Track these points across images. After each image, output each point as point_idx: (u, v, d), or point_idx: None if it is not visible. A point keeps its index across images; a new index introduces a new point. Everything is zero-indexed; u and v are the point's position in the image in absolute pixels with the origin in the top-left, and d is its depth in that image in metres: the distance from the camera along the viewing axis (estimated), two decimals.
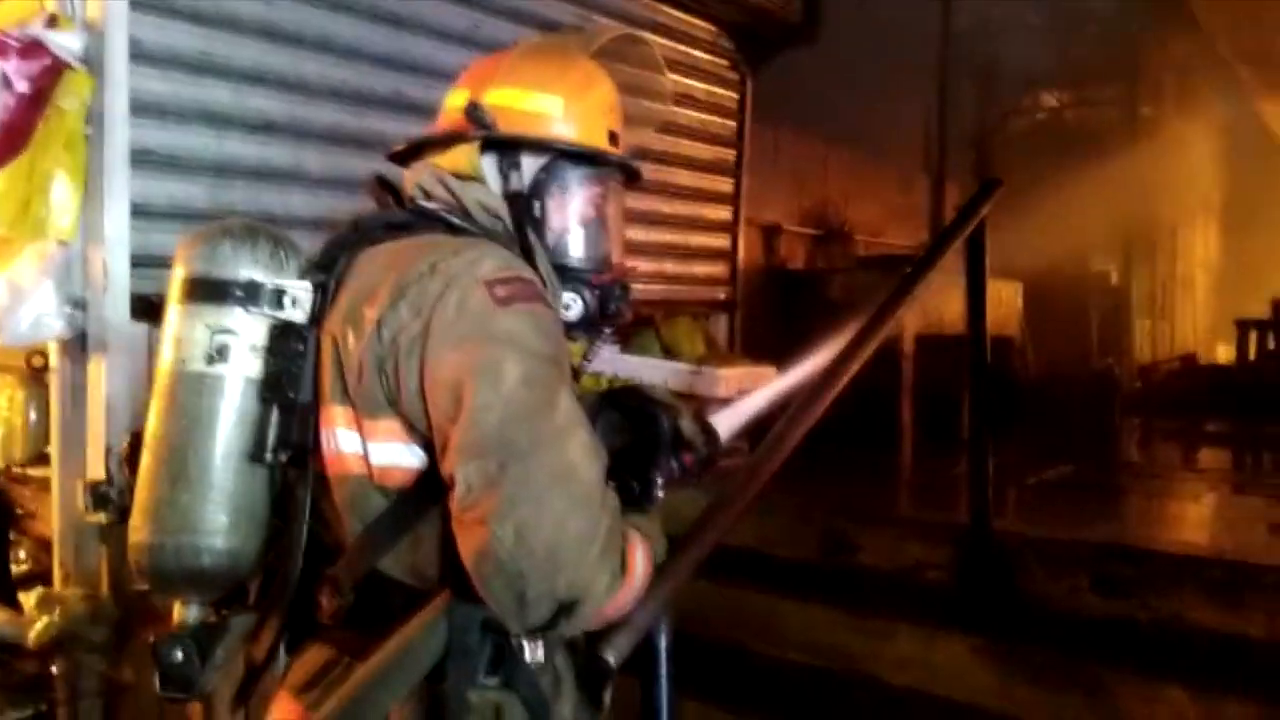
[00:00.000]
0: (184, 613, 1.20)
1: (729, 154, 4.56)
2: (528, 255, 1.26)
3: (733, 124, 4.56)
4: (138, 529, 1.17)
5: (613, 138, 1.35)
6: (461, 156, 1.30)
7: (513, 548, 1.03)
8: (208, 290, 1.18)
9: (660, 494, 1.26)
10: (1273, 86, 7.62)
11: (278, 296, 1.19)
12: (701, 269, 4.49)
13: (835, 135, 5.70)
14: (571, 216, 1.33)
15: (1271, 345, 6.98)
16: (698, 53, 4.36)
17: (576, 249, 1.34)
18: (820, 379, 2.04)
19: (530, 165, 1.31)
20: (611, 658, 1.29)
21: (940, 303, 4.35)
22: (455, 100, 1.34)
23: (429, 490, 1.14)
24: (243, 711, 1.32)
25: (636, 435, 1.29)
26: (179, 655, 1.18)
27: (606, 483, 1.13)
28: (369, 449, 1.17)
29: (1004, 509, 3.27)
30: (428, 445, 1.14)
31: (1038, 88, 6.25)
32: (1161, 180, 7.68)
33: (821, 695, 2.49)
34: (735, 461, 2.05)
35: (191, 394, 1.17)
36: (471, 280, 1.12)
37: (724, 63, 4.49)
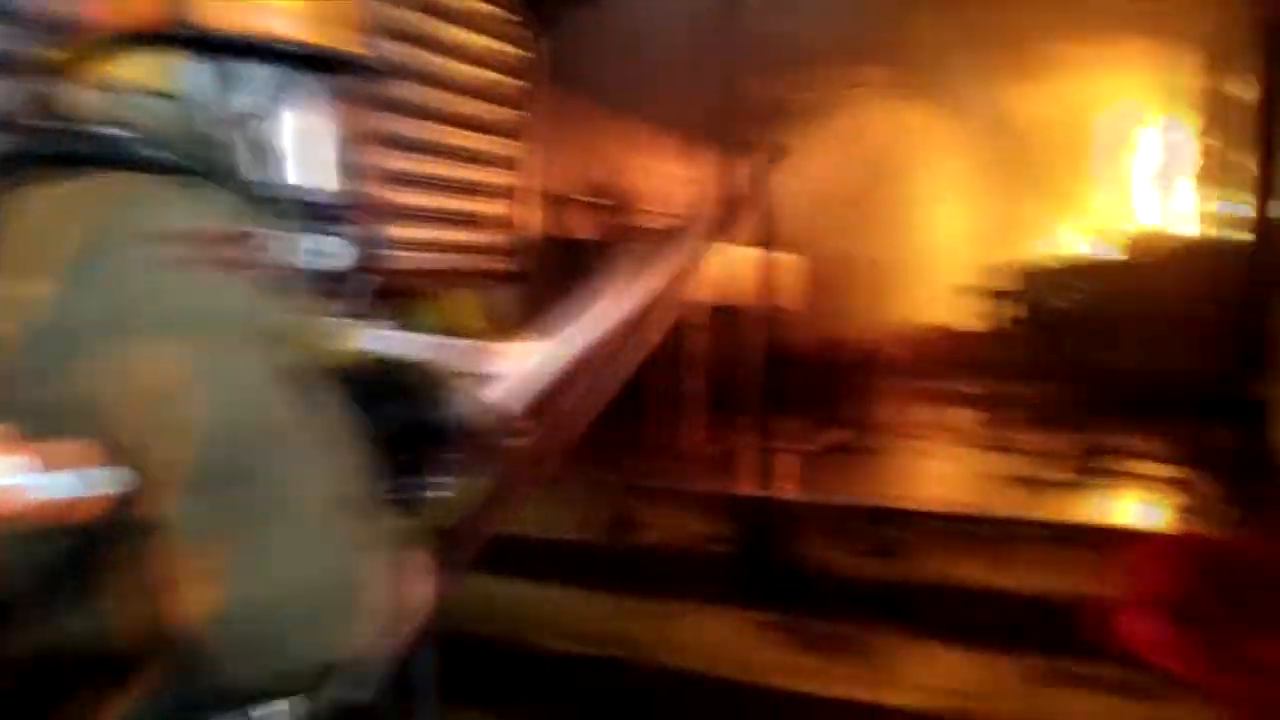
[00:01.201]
0: None
1: (515, 116, 4.33)
2: (250, 196, 0.99)
3: (520, 84, 4.33)
4: None
5: (351, 41, 1.08)
6: (152, 65, 0.99)
7: (243, 607, 0.82)
8: None
9: (434, 490, 1.11)
10: (1017, 71, 8.24)
11: None
12: (484, 238, 4.25)
13: (627, 103, 5.59)
14: (309, 141, 1.06)
15: (1016, 312, 7.59)
16: (478, 3, 4.09)
17: (316, 181, 1.07)
18: (605, 352, 1.92)
19: (252, 75, 1.03)
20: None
21: (728, 274, 4.35)
22: None
23: (122, 531, 0.86)
24: None
25: (407, 423, 1.11)
26: None
27: (370, 492, 0.92)
28: (34, 481, 0.87)
29: (785, 477, 3.30)
30: (120, 472, 0.85)
31: (822, 63, 6.41)
32: (923, 156, 8.17)
33: (606, 686, 2.38)
34: (522, 441, 1.90)
35: None
36: (171, 243, 0.86)
37: (511, 17, 4.25)
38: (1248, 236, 4.09)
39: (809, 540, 2.70)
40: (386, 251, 3.47)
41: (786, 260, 5.52)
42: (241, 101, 1.01)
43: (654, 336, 2.44)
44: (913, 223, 8.52)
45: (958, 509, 2.79)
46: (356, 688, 1.06)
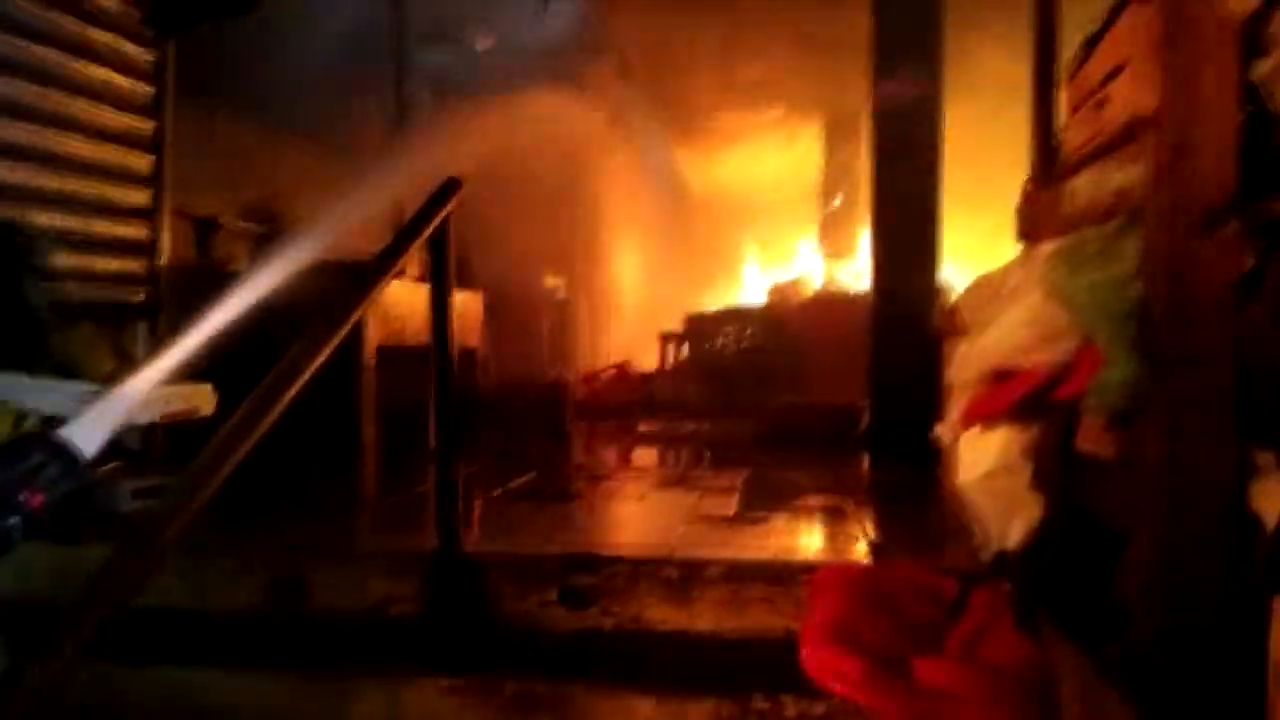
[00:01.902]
0: None
1: (145, 125, 3.77)
2: None
3: (148, 89, 3.79)
4: None
5: None
6: None
7: None
8: None
9: None
10: (684, 134, 8.78)
11: None
12: (111, 264, 3.65)
13: (288, 121, 5.13)
14: None
15: (684, 354, 8.04)
16: None
17: None
18: (261, 394, 1.66)
19: None
20: None
21: (404, 312, 4.09)
22: None
23: None
24: None
25: None
26: None
27: None
28: None
29: (472, 526, 3.13)
30: None
31: (491, 101, 6.35)
32: (602, 206, 8.44)
33: None
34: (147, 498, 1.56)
35: None
36: None
37: (129, 10, 3.70)
38: (887, 289, 4.61)
39: (503, 594, 2.54)
40: None
41: (468, 298, 5.37)
42: None
43: (312, 378, 2.17)
44: (611, 269, 8.82)
45: (650, 551, 2.77)
46: None
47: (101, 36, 3.54)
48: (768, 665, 2.15)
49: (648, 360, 8.20)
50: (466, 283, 5.88)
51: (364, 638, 2.46)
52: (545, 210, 7.19)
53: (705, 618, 2.46)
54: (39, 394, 2.51)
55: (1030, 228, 2.53)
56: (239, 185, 4.83)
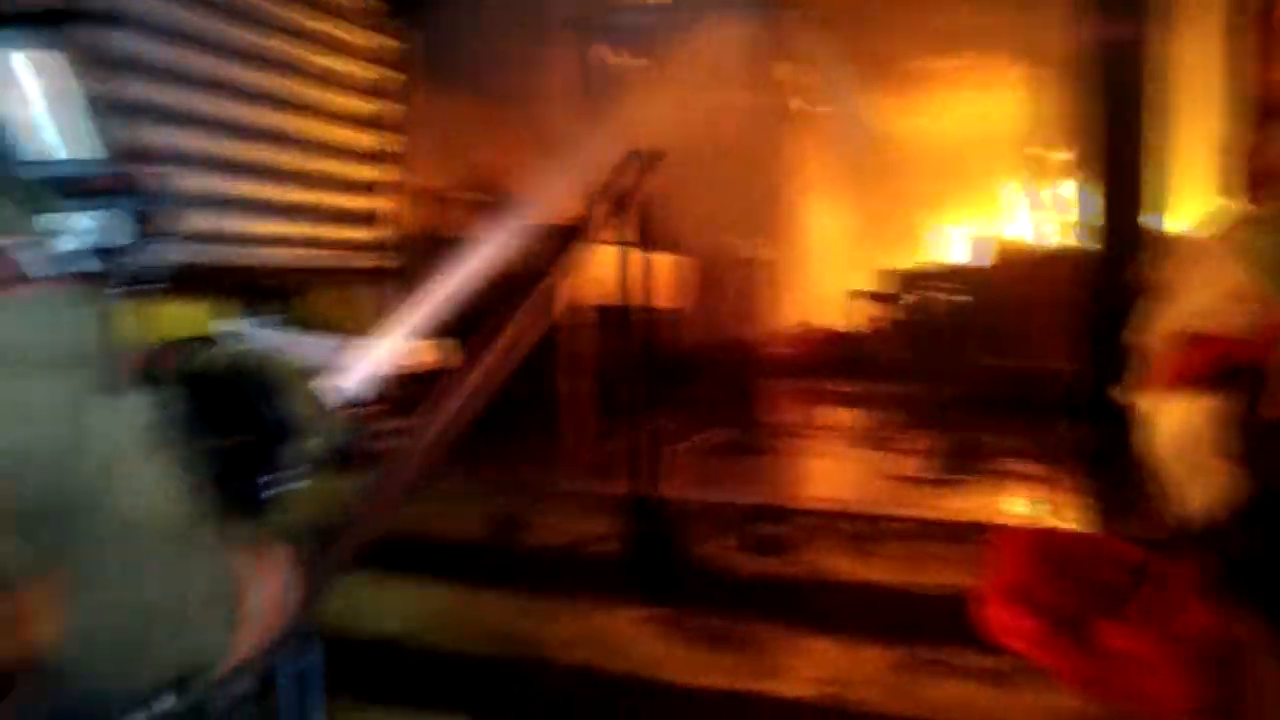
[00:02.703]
0: None
1: (388, 109, 4.23)
2: None
3: (393, 75, 4.24)
4: None
5: None
6: None
7: (85, 630, 0.81)
8: None
9: (274, 493, 1.06)
10: (879, 81, 8.58)
11: None
12: (356, 234, 4.15)
13: (506, 97, 5.53)
14: (51, 101, 0.90)
15: (880, 313, 7.90)
16: None
17: (64, 147, 0.91)
18: (476, 350, 1.93)
19: None
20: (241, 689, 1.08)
21: (612, 274, 4.37)
22: None
23: None
24: None
25: (243, 424, 1.06)
26: None
27: (201, 501, 0.88)
28: None
29: (667, 476, 3.35)
30: None
31: (705, 67, 6.49)
32: (796, 163, 8.41)
33: (492, 684, 2.36)
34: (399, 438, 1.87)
35: None
36: None
37: (380, 6, 4.15)
38: (1101, 245, 4.39)
39: (693, 537, 2.76)
40: (241, 242, 3.35)
41: (673, 261, 5.60)
42: None
43: (534, 336, 2.44)
44: (800, 227, 8.80)
45: (835, 506, 2.89)
46: (230, 684, 1.05)
47: (348, 30, 4.00)
48: (939, 619, 2.23)
49: (841, 320, 8.16)
50: (672, 246, 6.12)
51: (569, 569, 2.76)
52: (737, 171, 7.27)
53: (883, 571, 2.57)
54: (303, 348, 2.93)
55: (1259, 179, 2.39)
56: (466, 160, 5.28)
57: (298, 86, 3.75)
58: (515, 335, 1.93)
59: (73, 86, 0.90)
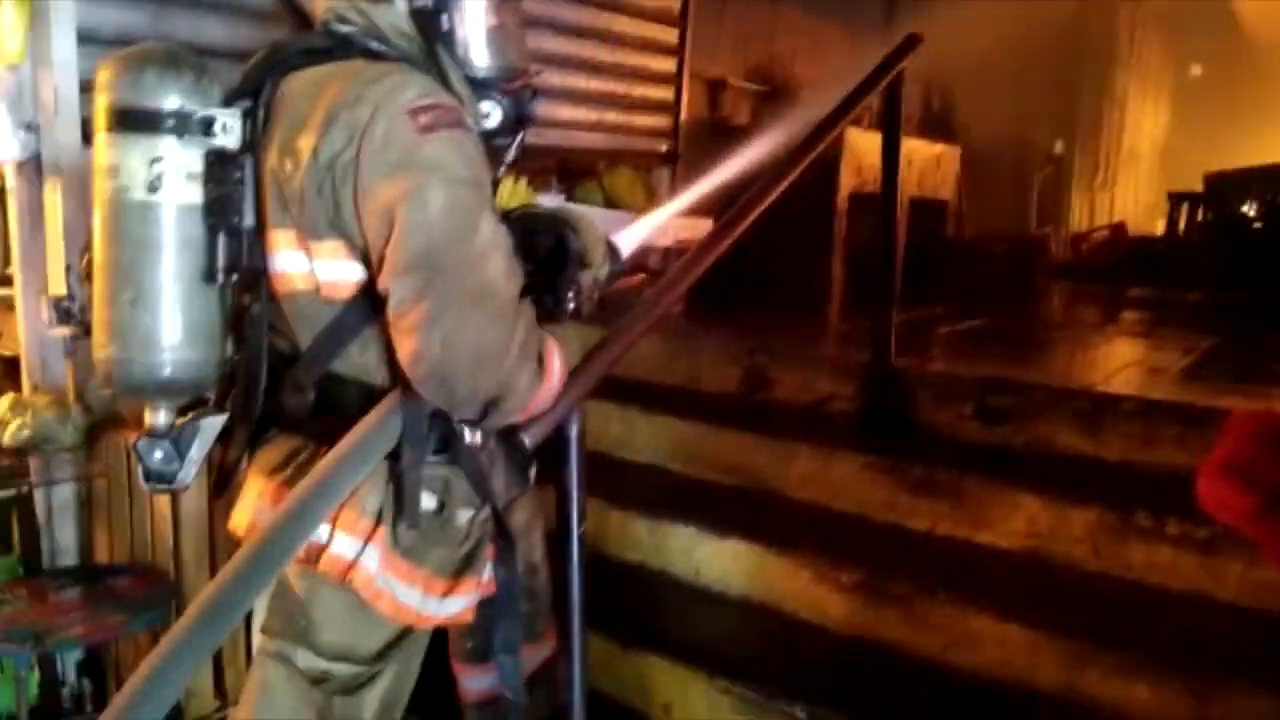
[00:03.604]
0: (154, 417, 1.30)
1: (674, 3, 4.58)
2: (441, 73, 1.32)
3: None
4: (103, 346, 1.25)
5: None
6: None
7: (439, 354, 1.17)
8: (138, 120, 1.20)
9: (571, 305, 1.41)
10: None
11: (207, 124, 1.22)
12: (644, 120, 4.59)
13: None
14: (476, 27, 1.37)
15: (1200, 218, 7.23)
16: None
17: (485, 59, 1.38)
18: (728, 218, 2.21)
19: None
20: (529, 440, 1.52)
21: (875, 161, 4.50)
22: None
23: (370, 299, 1.26)
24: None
25: (550, 252, 1.42)
26: (159, 455, 1.30)
27: (523, 298, 1.27)
28: (315, 267, 1.27)
29: (912, 352, 3.51)
30: (366, 260, 1.25)
31: None
32: (1109, 56, 7.75)
33: (730, 506, 2.78)
34: (632, 283, 2.24)
35: (136, 222, 1.21)
36: (395, 108, 1.20)
37: None
38: None
39: (925, 405, 2.98)
40: (550, 126, 3.85)
41: (943, 151, 5.55)
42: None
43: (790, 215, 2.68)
44: (1103, 123, 8.12)
45: (1064, 385, 2.96)
46: (524, 434, 1.48)
47: None
48: (1158, 490, 2.31)
49: (1152, 223, 7.55)
50: (946, 137, 6.02)
51: (808, 421, 3.09)
52: (1047, 62, 6.87)
53: (1113, 448, 2.64)
54: (596, 218, 3.40)
55: None
56: (744, 51, 5.53)
57: None
58: (750, 206, 2.21)
59: (497, 12, 1.39)
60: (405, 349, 1.20)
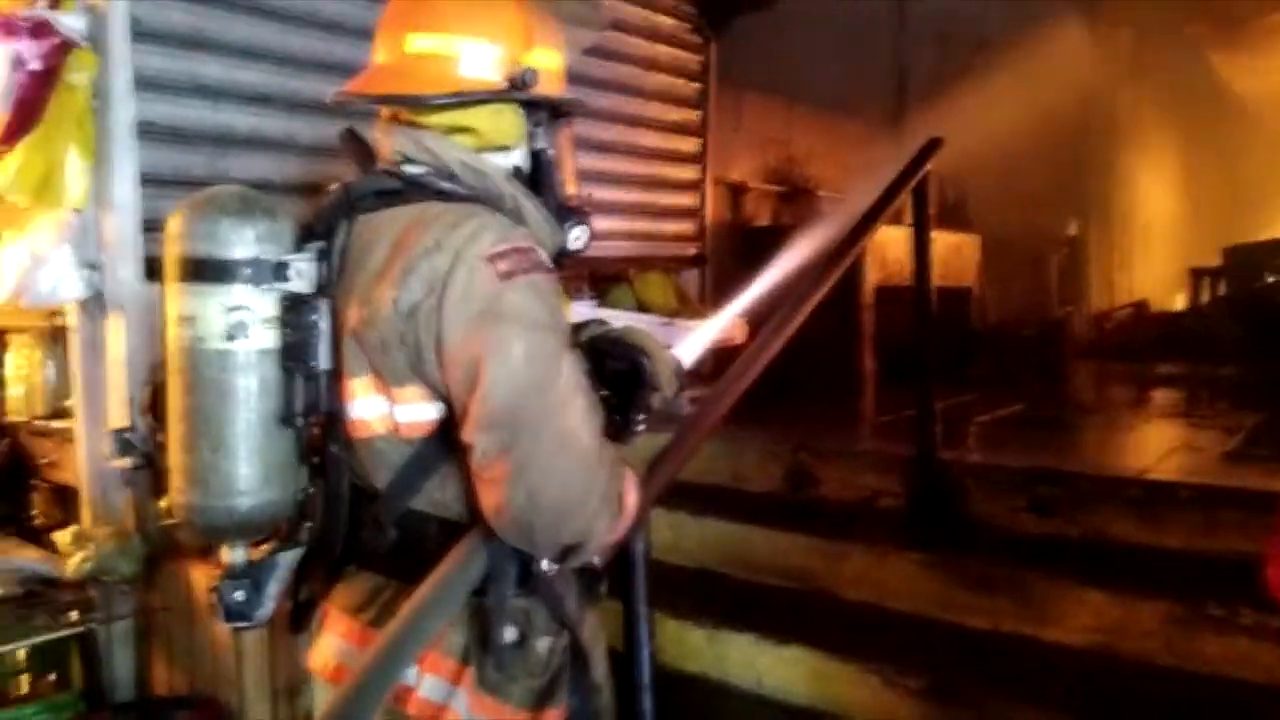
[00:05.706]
0: (231, 555, 1.31)
1: (694, 115, 4.76)
2: (516, 212, 1.34)
3: (697, 86, 4.77)
4: (182, 491, 1.25)
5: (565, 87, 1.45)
6: (503, 120, 1.36)
7: (524, 506, 1.18)
8: (214, 271, 1.21)
9: (640, 429, 1.41)
10: (1225, 41, 7.84)
11: (282, 269, 1.23)
12: (671, 227, 4.71)
13: (797, 95, 5.88)
14: (564, 160, 1.43)
15: (1219, 291, 7.25)
16: (660, 17, 4.56)
17: (568, 187, 1.44)
18: (775, 323, 2.26)
19: (537, 120, 1.39)
20: (598, 562, 1.52)
21: (899, 255, 4.58)
22: (466, 54, 1.33)
23: (449, 437, 1.27)
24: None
25: (621, 375, 1.41)
26: (239, 595, 1.31)
27: (606, 427, 1.28)
28: (395, 410, 1.28)
29: (954, 442, 3.50)
30: (445, 400, 1.26)
31: (990, 47, 6.43)
32: (1124, 134, 7.91)
33: (785, 610, 2.75)
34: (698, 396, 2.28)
35: (215, 369, 1.22)
36: (475, 256, 1.20)
37: (686, 26, 4.68)
38: None
39: (974, 496, 2.96)
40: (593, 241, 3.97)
41: (964, 241, 5.64)
42: (543, 139, 1.39)
43: (827, 313, 2.73)
44: (1114, 203, 8.25)
45: (1114, 472, 2.94)
46: (596, 560, 1.49)
47: (664, 50, 4.57)
48: (1225, 580, 2.26)
49: (1172, 299, 7.58)
50: (964, 226, 6.13)
51: (856, 518, 3.07)
52: (1055, 147, 7.02)
53: (1174, 536, 2.59)
54: (643, 325, 3.42)
55: None
56: (762, 154, 5.70)
57: (631, 104, 4.36)
58: (796, 309, 2.26)
59: (567, 147, 1.44)
60: (489, 500, 1.20)
